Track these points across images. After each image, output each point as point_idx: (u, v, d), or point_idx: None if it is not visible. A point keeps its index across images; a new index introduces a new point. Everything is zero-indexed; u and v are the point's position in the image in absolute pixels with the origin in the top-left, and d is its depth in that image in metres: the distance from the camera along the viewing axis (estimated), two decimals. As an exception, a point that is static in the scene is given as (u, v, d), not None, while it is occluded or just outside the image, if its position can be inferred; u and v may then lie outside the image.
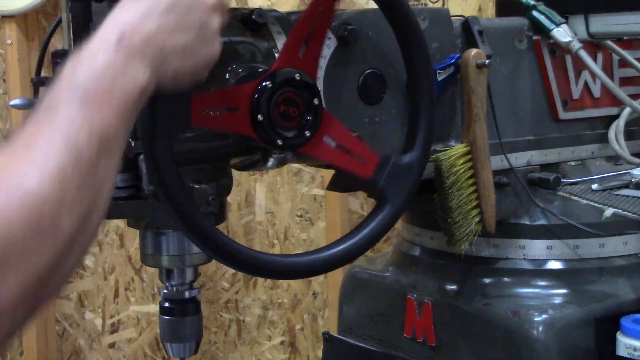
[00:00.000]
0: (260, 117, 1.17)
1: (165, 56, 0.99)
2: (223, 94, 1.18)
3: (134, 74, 0.95)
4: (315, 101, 1.21)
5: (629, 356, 1.35)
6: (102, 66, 0.93)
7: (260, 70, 1.23)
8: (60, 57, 1.23)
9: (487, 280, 1.49)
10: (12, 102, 1.34)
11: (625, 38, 1.62)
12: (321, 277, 2.57)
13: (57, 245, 0.86)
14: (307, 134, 1.21)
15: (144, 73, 0.96)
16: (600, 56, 1.60)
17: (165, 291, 1.34)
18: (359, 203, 2.49)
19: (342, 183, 1.50)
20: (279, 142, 1.19)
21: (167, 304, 1.34)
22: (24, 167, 0.86)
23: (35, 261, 0.84)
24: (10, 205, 0.83)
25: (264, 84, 1.17)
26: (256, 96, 1.17)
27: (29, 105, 1.33)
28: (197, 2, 1.04)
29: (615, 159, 1.63)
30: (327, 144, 1.23)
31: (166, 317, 1.33)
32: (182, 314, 1.33)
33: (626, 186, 1.50)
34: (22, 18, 2.96)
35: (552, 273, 1.46)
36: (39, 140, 0.88)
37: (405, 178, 1.27)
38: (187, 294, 1.33)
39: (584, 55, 1.50)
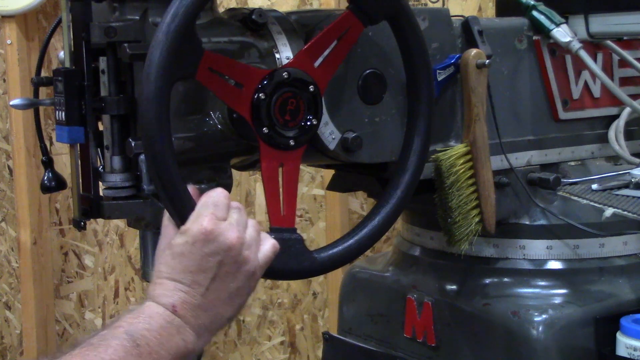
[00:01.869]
0: (262, 95, 1.18)
1: (217, 317, 1.11)
2: (235, 66, 1.20)
3: (185, 337, 1.08)
4: (311, 88, 1.23)
5: (629, 356, 1.35)
6: (159, 326, 1.06)
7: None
8: (60, 74, 1.24)
9: (487, 280, 1.49)
10: (12, 102, 1.34)
11: (625, 38, 1.62)
12: (321, 277, 2.56)
13: None
14: (314, 121, 1.22)
15: (194, 339, 1.09)
16: (600, 56, 1.60)
17: None
18: (359, 203, 2.49)
19: (342, 183, 1.50)
20: (265, 130, 1.20)
21: None
22: None
23: None
24: None
25: (279, 73, 1.20)
26: (265, 82, 1.19)
27: (29, 105, 1.33)
28: (222, 251, 1.10)
29: (615, 159, 1.63)
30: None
31: None
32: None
33: (626, 186, 1.50)
34: (22, 18, 2.96)
35: (552, 273, 1.46)
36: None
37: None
38: None
39: (584, 55, 1.50)
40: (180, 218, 1.13)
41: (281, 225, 1.22)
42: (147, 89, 1.10)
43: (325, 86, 1.25)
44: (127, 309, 1.07)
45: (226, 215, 1.11)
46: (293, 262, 1.23)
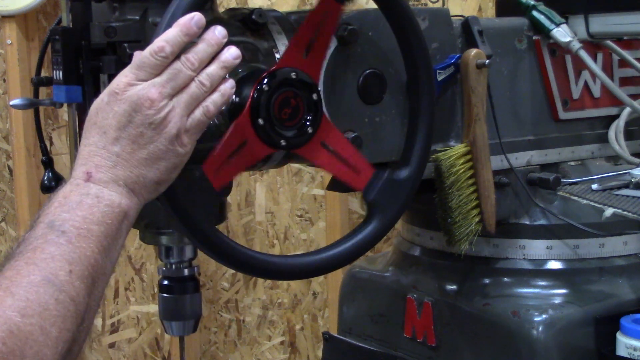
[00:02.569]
0: (260, 121, 1.18)
1: (138, 173, 1.03)
2: (227, 145, 1.17)
3: (111, 200, 1.00)
4: (314, 96, 1.21)
5: (629, 356, 1.35)
6: (76, 201, 0.99)
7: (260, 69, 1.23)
8: (58, 34, 1.23)
9: (487, 280, 1.49)
10: (12, 102, 1.34)
11: (625, 38, 1.62)
12: (321, 277, 2.57)
13: None
14: (310, 130, 1.21)
15: (121, 196, 1.01)
16: (600, 56, 1.60)
17: (165, 269, 1.33)
18: (359, 203, 2.49)
19: (342, 183, 1.50)
20: (282, 142, 1.19)
21: (166, 282, 1.33)
22: (7, 305, 0.89)
23: None
24: None
25: (260, 86, 1.18)
26: (255, 95, 1.18)
27: (29, 105, 1.33)
28: (135, 109, 1.03)
29: (615, 159, 1.63)
30: (324, 149, 1.23)
31: (165, 295, 1.33)
32: (181, 292, 1.33)
33: (626, 186, 1.50)
34: (22, 18, 2.96)
35: (552, 273, 1.46)
36: (21, 279, 0.92)
37: (398, 194, 1.28)
38: (186, 272, 1.33)
39: (584, 55, 1.50)
40: (180, 218, 1.13)
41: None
42: None
43: (318, 76, 1.23)
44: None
45: (153, 76, 1.05)
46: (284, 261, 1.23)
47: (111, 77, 1.20)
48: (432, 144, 1.34)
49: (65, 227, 0.96)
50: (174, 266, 1.33)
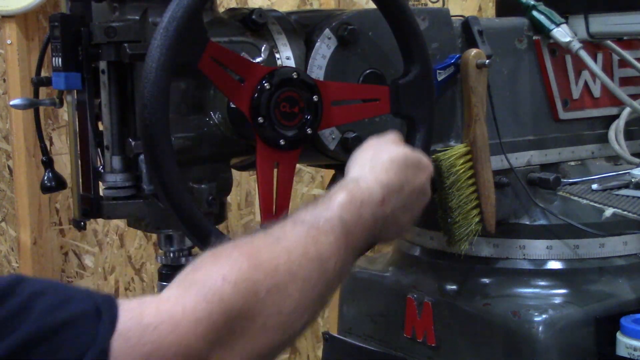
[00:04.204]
0: (260, 119, 1.18)
1: (393, 221, 1.13)
2: (239, 60, 1.20)
3: (373, 233, 1.09)
4: (315, 98, 1.22)
5: (629, 356, 1.35)
6: (368, 220, 1.07)
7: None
8: (57, 20, 1.23)
9: (487, 280, 1.49)
10: (12, 102, 1.34)
11: (625, 38, 1.62)
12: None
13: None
14: (309, 130, 1.22)
15: (374, 238, 1.11)
16: (600, 56, 1.60)
17: (164, 257, 1.33)
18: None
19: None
20: (282, 142, 1.20)
21: (165, 270, 1.33)
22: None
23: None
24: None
25: (284, 71, 1.21)
26: (266, 76, 1.19)
27: (29, 105, 1.33)
28: (424, 188, 1.18)
29: (615, 159, 1.63)
30: (338, 106, 1.26)
31: (164, 284, 1.33)
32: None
33: (626, 186, 1.50)
34: (22, 18, 2.96)
35: (552, 273, 1.46)
36: (298, 238, 0.99)
37: (420, 92, 1.30)
38: (183, 261, 1.33)
39: (584, 55, 1.50)
40: (180, 218, 1.13)
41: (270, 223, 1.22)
42: (150, 66, 1.10)
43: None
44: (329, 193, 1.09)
45: None
46: None
47: (110, 65, 1.21)
48: (432, 144, 1.34)
49: (349, 231, 1.04)
50: (173, 254, 1.33)
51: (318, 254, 0.98)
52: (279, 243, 0.97)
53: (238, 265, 0.91)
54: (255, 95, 1.19)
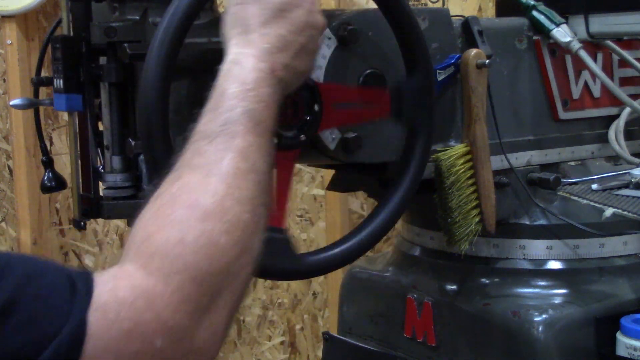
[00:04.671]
0: None
1: (293, 75, 1.08)
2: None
3: (278, 98, 1.04)
4: (316, 107, 1.22)
5: (629, 356, 1.35)
6: (267, 96, 1.01)
7: None
8: (59, 42, 1.23)
9: (487, 280, 1.49)
10: (12, 102, 1.34)
11: (625, 38, 1.62)
12: (321, 277, 2.57)
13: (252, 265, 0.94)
14: (302, 137, 1.22)
15: (281, 95, 1.05)
16: (600, 56, 1.60)
17: None
18: (359, 203, 2.49)
19: (342, 183, 1.50)
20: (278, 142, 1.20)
21: None
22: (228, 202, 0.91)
23: (239, 287, 0.91)
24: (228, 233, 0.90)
25: None
26: None
27: (29, 105, 1.33)
28: (308, 21, 1.09)
29: (615, 159, 1.63)
30: (339, 109, 1.25)
31: None
32: None
33: (626, 186, 1.50)
34: (22, 18, 2.96)
35: (552, 273, 1.46)
36: (223, 160, 0.94)
37: (422, 98, 1.29)
38: None
39: (584, 55, 1.50)
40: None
41: (270, 224, 1.22)
42: (150, 66, 1.10)
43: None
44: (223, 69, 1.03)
45: None
46: (276, 262, 1.22)
47: (111, 86, 1.21)
48: (432, 144, 1.34)
49: (258, 118, 0.98)
50: None
51: (250, 165, 0.95)
52: (210, 175, 0.93)
53: (187, 222, 0.88)
54: None
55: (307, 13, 1.09)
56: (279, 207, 1.21)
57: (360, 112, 1.29)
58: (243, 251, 0.91)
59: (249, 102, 0.98)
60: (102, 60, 1.25)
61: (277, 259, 1.20)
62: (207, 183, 0.92)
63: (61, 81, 1.23)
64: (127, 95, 1.25)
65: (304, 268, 1.23)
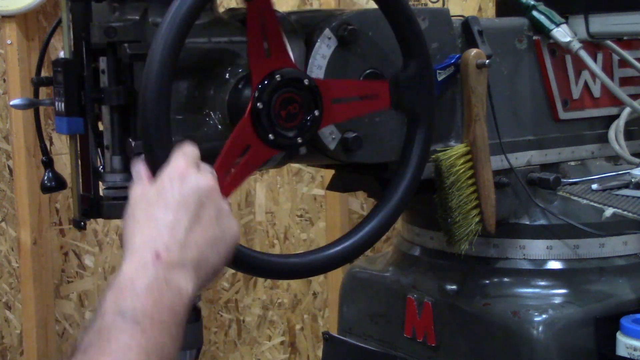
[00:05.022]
0: (260, 105, 1.18)
1: (203, 256, 1.01)
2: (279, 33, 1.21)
3: (179, 285, 0.96)
4: (316, 112, 1.22)
5: (629, 356, 1.35)
6: (146, 287, 0.94)
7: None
8: (60, 65, 1.24)
9: (487, 280, 1.49)
10: (12, 102, 1.34)
11: (625, 38, 1.62)
12: (321, 277, 2.57)
13: None
14: (299, 140, 1.22)
15: (187, 281, 0.97)
16: (600, 56, 1.60)
17: None
18: (359, 203, 2.49)
19: (342, 183, 1.50)
20: (271, 136, 1.20)
21: None
22: None
23: None
24: None
25: (267, 81, 1.20)
26: (256, 95, 1.19)
27: (29, 105, 1.33)
28: (201, 191, 1.03)
29: (615, 159, 1.63)
30: (339, 104, 1.25)
31: None
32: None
33: (626, 186, 1.50)
34: (22, 18, 2.96)
35: (552, 273, 1.46)
36: None
37: (421, 85, 1.29)
38: None
39: (584, 55, 1.50)
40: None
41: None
42: (151, 67, 1.10)
43: (292, 65, 1.24)
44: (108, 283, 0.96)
45: (199, 163, 1.07)
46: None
47: (113, 109, 1.21)
48: (432, 144, 1.34)
49: (137, 316, 0.92)
50: None
51: None
52: None
53: None
54: (265, 81, 1.19)
55: (215, 201, 1.04)
56: (232, 182, 1.17)
57: (360, 105, 1.29)
58: None
59: (122, 300, 0.93)
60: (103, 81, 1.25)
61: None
62: None
63: (62, 104, 1.23)
64: (129, 116, 1.25)
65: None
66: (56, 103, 1.25)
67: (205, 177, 1.04)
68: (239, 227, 1.09)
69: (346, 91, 1.28)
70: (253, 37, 1.20)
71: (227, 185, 1.14)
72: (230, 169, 1.16)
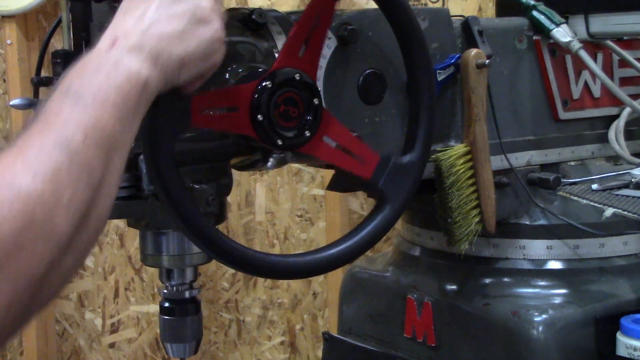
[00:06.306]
0: (260, 117, 1.17)
1: (164, 45, 0.99)
2: (223, 94, 1.18)
3: (129, 67, 0.94)
4: (315, 101, 1.21)
5: (629, 356, 1.35)
6: (95, 67, 0.93)
7: (260, 70, 1.23)
8: (60, 57, 1.23)
9: (487, 280, 1.49)
10: (12, 102, 1.34)
11: (625, 38, 1.62)
12: (321, 277, 2.57)
13: (52, 245, 0.84)
14: (307, 134, 1.21)
15: (141, 65, 0.95)
16: (600, 56, 1.60)
17: (166, 291, 1.33)
18: (359, 203, 2.49)
19: (342, 183, 1.50)
20: (279, 142, 1.19)
21: (167, 304, 1.34)
22: (17, 168, 0.84)
23: (27, 261, 0.82)
24: (0, 204, 0.81)
25: (264, 83, 1.18)
26: (256, 96, 1.17)
27: (29, 105, 1.33)
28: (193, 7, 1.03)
29: (615, 159, 1.63)
30: (327, 144, 1.23)
31: (166, 317, 1.33)
32: (182, 314, 1.33)
33: (626, 186, 1.50)
34: (22, 18, 2.96)
35: (552, 273, 1.46)
36: (33, 142, 0.87)
37: (405, 178, 1.27)
38: (187, 294, 1.33)
39: (584, 55, 1.50)
40: (180, 218, 1.13)
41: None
42: (150, 154, 1.10)
43: (315, 73, 1.23)
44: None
45: None
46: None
47: None
48: (432, 144, 1.34)
49: (81, 92, 0.90)
50: (175, 288, 1.33)
51: (57, 141, 0.87)
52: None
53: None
54: (256, 95, 1.18)
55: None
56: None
57: (345, 160, 1.26)
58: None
59: (68, 77, 0.92)
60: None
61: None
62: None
63: None
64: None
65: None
66: None
67: None
68: (219, 30, 1.06)
69: (340, 138, 1.25)
70: (301, 26, 1.20)
71: (199, 118, 1.13)
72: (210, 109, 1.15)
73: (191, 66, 1.03)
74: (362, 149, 1.26)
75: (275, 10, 1.34)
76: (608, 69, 1.60)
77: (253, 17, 1.26)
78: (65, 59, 1.23)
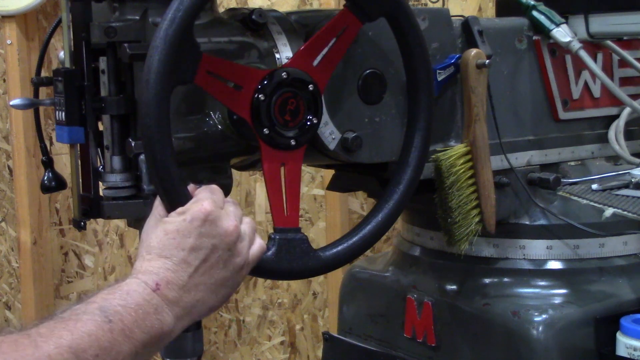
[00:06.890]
0: (261, 96, 1.18)
1: (201, 300, 1.09)
2: (235, 68, 1.20)
3: (164, 318, 1.05)
4: (314, 120, 1.23)
5: (629, 356, 1.35)
6: (135, 303, 1.03)
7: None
8: (60, 74, 1.24)
9: (487, 280, 1.49)
10: (12, 102, 1.34)
11: (625, 38, 1.62)
12: (321, 277, 2.57)
13: None
14: (314, 120, 1.23)
15: (172, 319, 1.06)
16: (600, 56, 1.60)
17: None
18: (359, 203, 2.49)
19: (342, 183, 1.50)
20: (265, 130, 1.20)
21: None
22: (25, 357, 0.93)
23: None
24: None
25: (279, 73, 1.20)
26: (265, 82, 1.19)
27: (29, 105, 1.33)
28: (217, 237, 1.09)
29: (615, 159, 1.63)
30: None
31: None
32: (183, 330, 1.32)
33: (626, 186, 1.50)
34: (22, 18, 2.96)
35: (552, 273, 1.46)
36: (48, 339, 0.96)
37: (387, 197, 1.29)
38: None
39: (584, 55, 1.50)
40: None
41: (285, 225, 1.22)
42: (147, 96, 1.10)
43: (324, 84, 1.24)
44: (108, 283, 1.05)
45: (223, 206, 1.13)
46: (299, 261, 1.22)
47: (114, 118, 1.22)
48: (432, 144, 1.34)
49: (114, 317, 1.01)
50: None
51: (71, 346, 0.97)
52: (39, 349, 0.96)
53: None
54: (255, 105, 1.20)
55: (230, 244, 1.11)
56: (292, 206, 1.21)
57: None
58: None
59: (110, 300, 1.03)
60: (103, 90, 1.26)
61: (298, 259, 1.21)
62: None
63: (63, 114, 1.24)
64: (127, 94, 1.25)
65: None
66: (57, 112, 1.26)
67: (227, 220, 1.10)
68: (246, 272, 1.14)
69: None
70: (323, 37, 1.22)
71: (203, 76, 1.15)
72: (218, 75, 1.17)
73: (219, 307, 1.14)
74: None
75: (275, 11, 1.34)
76: (608, 69, 1.60)
77: (253, 17, 1.27)
78: (66, 77, 1.23)
